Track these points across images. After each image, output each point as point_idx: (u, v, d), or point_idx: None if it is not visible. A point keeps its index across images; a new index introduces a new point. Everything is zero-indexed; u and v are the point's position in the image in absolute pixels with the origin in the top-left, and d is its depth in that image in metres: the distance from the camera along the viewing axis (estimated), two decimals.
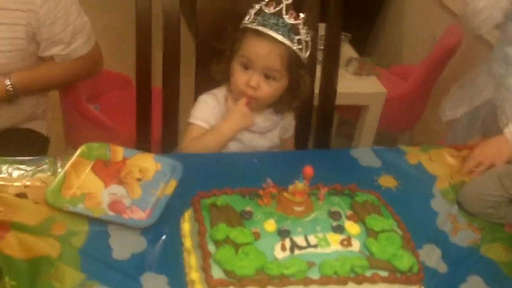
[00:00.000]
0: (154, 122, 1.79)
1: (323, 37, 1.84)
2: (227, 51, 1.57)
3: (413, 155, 1.62)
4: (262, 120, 1.64)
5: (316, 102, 1.87)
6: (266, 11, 1.50)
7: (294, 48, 1.50)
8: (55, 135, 2.47)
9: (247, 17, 1.53)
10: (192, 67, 1.76)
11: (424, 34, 3.31)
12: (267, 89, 1.54)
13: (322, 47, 1.83)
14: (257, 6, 1.52)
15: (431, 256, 1.31)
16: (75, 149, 2.31)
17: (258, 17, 1.50)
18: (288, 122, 1.72)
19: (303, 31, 1.51)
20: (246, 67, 1.53)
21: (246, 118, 1.56)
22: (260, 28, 1.49)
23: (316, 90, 1.84)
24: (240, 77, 1.54)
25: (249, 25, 1.51)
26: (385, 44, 3.76)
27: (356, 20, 3.05)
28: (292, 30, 1.49)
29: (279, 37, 1.49)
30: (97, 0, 3.92)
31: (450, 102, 2.11)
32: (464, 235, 1.39)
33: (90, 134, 2.27)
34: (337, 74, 1.87)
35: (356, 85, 2.54)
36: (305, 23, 1.51)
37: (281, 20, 1.48)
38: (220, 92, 1.64)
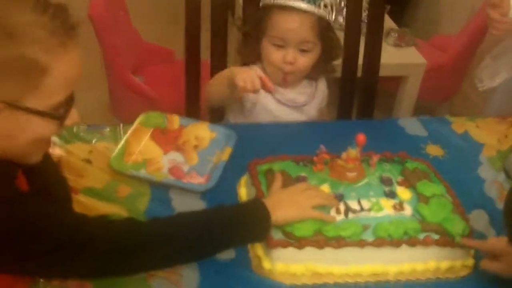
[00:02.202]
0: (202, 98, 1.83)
1: (367, 9, 1.85)
2: (252, 32, 1.56)
3: (459, 125, 1.64)
4: (297, 95, 1.63)
5: (359, 73, 1.89)
6: None
7: (322, 13, 1.49)
8: (102, 106, 2.56)
9: None
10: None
11: (462, 4, 3.28)
12: (304, 62, 1.53)
13: (365, 20, 1.85)
14: None
15: (480, 221, 1.34)
16: (121, 119, 2.40)
17: None
18: (323, 92, 1.70)
19: None
20: (279, 45, 1.50)
21: (253, 78, 1.40)
22: (284, 2, 1.46)
23: (360, 62, 1.86)
24: (275, 56, 1.51)
25: (272, 1, 1.48)
26: (423, 15, 3.73)
27: None
28: None
29: (306, 6, 1.46)
30: None
31: (488, 70, 2.03)
32: None
33: (135, 105, 2.33)
34: (380, 46, 1.88)
35: (396, 56, 2.54)
36: None
37: None
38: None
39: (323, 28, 1.51)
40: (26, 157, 0.96)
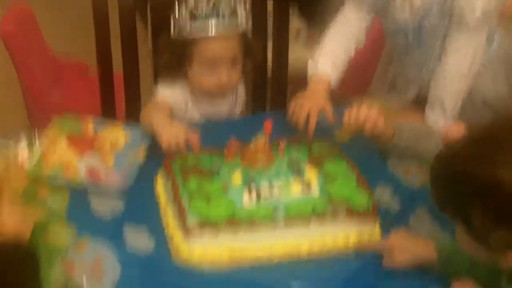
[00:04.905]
0: (117, 109, 1.87)
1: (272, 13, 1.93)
2: (173, 60, 1.57)
3: None
4: (221, 107, 1.70)
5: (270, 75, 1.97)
6: (200, 12, 1.48)
7: (243, 29, 1.56)
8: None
9: (180, 24, 1.50)
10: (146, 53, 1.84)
11: None
12: (237, 74, 1.60)
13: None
14: (184, 12, 1.49)
15: (384, 195, 1.43)
16: None
17: (197, 22, 1.49)
18: (242, 99, 1.78)
19: (240, 8, 1.53)
20: (211, 68, 1.55)
21: (178, 139, 1.37)
22: (206, 35, 1.50)
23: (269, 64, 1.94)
24: (209, 81, 1.57)
25: (194, 34, 1.50)
26: (334, 14, 3.87)
27: None
28: (233, 15, 1.52)
29: (229, 31, 1.52)
30: None
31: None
32: (415, 177, 1.51)
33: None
34: (287, 47, 1.98)
35: (307, 55, 2.64)
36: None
37: (221, 13, 1.49)
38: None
39: (246, 40, 1.59)
40: None
